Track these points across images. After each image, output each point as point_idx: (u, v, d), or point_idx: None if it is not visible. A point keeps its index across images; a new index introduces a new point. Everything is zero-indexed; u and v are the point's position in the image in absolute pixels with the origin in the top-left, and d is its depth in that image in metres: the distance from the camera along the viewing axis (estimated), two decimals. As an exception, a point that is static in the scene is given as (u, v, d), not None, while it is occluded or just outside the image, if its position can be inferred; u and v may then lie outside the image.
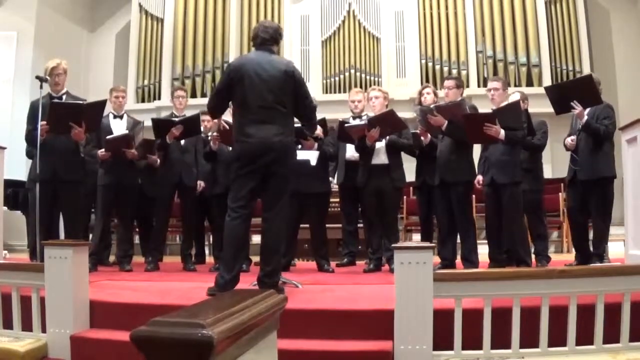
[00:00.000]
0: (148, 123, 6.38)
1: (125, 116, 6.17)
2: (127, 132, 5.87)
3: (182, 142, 6.13)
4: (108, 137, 5.75)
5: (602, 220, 5.34)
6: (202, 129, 6.38)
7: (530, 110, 5.82)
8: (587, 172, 5.32)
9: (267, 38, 4.25)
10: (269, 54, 4.21)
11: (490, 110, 5.44)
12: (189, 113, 6.30)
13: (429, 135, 5.62)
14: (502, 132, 5.13)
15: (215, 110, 4.51)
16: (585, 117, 5.26)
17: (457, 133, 5.29)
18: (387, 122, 5.51)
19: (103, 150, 5.78)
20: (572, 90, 5.35)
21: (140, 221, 7.09)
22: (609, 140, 5.33)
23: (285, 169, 4.08)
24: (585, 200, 5.42)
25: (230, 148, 4.45)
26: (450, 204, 5.46)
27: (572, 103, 5.22)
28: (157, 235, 6.28)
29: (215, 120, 5.81)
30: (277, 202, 4.07)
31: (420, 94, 6.01)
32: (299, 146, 5.61)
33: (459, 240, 5.60)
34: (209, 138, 6.13)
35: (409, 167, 6.04)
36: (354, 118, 6.00)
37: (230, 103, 4.41)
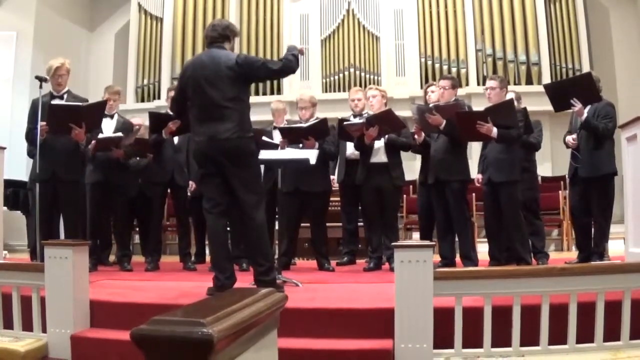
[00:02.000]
0: (147, 122, 6.36)
1: (115, 116, 6.15)
2: (120, 134, 5.84)
3: (175, 141, 6.12)
4: (100, 137, 5.71)
5: (603, 217, 5.35)
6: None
7: (530, 108, 5.82)
8: (587, 170, 5.32)
9: (216, 36, 4.21)
10: (217, 51, 4.16)
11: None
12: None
13: (423, 134, 5.63)
14: (495, 130, 5.13)
15: (177, 114, 4.61)
16: (585, 115, 5.26)
17: (455, 132, 5.30)
18: (386, 121, 5.51)
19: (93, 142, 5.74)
20: (571, 88, 5.35)
21: (140, 221, 7.08)
22: (609, 138, 5.33)
23: (242, 166, 4.01)
24: (587, 198, 5.42)
25: None
26: (446, 203, 5.45)
27: (571, 100, 5.23)
28: (154, 234, 6.29)
29: None
30: (247, 202, 4.01)
31: (425, 92, 6.01)
32: (300, 145, 5.62)
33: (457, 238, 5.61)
34: None
35: (409, 166, 6.04)
36: (354, 117, 6.01)
37: None
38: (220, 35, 4.22)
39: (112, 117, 6.11)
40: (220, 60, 4.07)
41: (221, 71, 4.03)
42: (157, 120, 6.03)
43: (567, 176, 5.79)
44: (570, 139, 5.52)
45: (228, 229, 4.40)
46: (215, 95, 4.00)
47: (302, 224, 6.12)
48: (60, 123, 5.09)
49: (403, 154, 5.90)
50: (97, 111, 5.42)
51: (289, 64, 4.20)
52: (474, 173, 5.73)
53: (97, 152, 5.76)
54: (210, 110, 4.01)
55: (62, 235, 5.58)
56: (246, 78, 4.12)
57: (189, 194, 6.31)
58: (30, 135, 5.32)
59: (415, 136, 5.68)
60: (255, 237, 4.04)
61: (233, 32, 4.31)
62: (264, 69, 4.16)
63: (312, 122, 5.76)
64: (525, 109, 5.73)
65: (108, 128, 5.99)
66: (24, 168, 6.38)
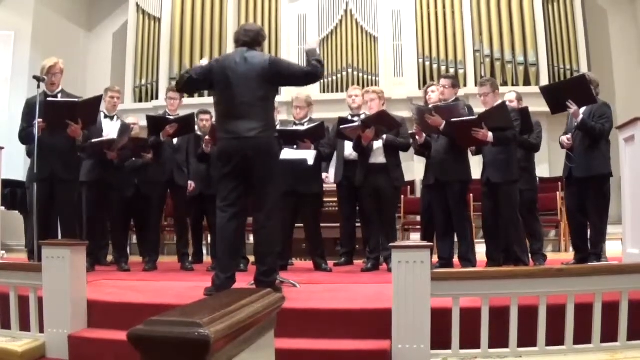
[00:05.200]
0: (145, 122, 6.36)
1: (116, 117, 6.17)
2: (112, 137, 5.84)
3: (175, 141, 6.13)
4: (93, 140, 5.71)
5: (599, 218, 5.34)
6: (197, 128, 6.39)
7: (529, 109, 5.82)
8: (582, 170, 5.33)
9: (248, 41, 4.26)
10: (251, 51, 4.21)
11: (483, 111, 5.48)
12: (184, 113, 6.30)
13: (424, 134, 5.63)
14: (490, 135, 5.16)
15: (185, 90, 4.62)
16: (581, 116, 5.27)
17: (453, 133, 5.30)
18: (381, 121, 5.52)
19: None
20: (566, 90, 5.37)
21: (138, 221, 7.07)
22: (605, 138, 5.33)
23: (266, 164, 4.05)
24: (582, 198, 5.42)
25: None
26: (446, 204, 5.45)
27: (567, 103, 5.24)
28: (152, 234, 6.29)
29: (213, 122, 5.90)
30: (266, 202, 4.05)
31: (426, 92, 6.01)
32: (295, 146, 5.62)
33: (456, 239, 5.60)
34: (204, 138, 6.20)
35: (407, 167, 6.04)
36: (352, 116, 6.00)
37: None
38: (253, 40, 4.29)
39: (112, 118, 6.12)
40: (254, 60, 4.14)
41: (254, 70, 4.08)
42: (155, 123, 6.03)
43: (562, 176, 5.80)
44: (564, 139, 5.53)
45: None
46: (245, 94, 4.05)
47: (298, 225, 6.11)
48: (56, 119, 5.09)
49: (402, 155, 5.89)
50: (93, 107, 5.41)
51: (316, 70, 4.20)
52: (475, 173, 5.72)
53: (91, 154, 5.77)
54: (238, 108, 4.05)
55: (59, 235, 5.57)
56: (275, 79, 4.17)
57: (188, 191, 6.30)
58: (23, 134, 5.31)
59: (417, 137, 5.69)
60: (265, 235, 4.07)
61: (263, 38, 4.41)
62: (291, 70, 4.26)
63: (310, 125, 5.77)
64: (525, 108, 5.73)
65: (110, 129, 6.00)
66: (22, 168, 6.37)
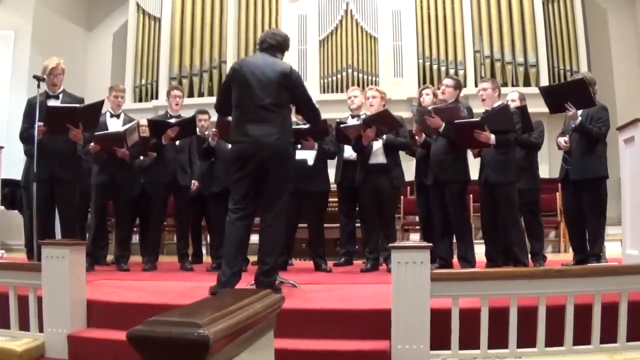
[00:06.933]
0: (144, 122, 6.36)
1: (122, 115, 6.16)
2: (118, 130, 5.83)
3: (177, 142, 6.12)
4: (97, 133, 5.68)
5: (597, 220, 5.35)
6: (197, 128, 6.39)
7: (528, 110, 5.82)
8: (578, 172, 5.33)
9: (274, 44, 4.28)
10: (270, 57, 4.23)
11: (483, 111, 5.49)
12: (184, 113, 6.30)
13: (423, 135, 5.63)
14: (492, 137, 5.16)
15: (221, 111, 4.57)
16: (579, 119, 5.26)
17: (454, 134, 5.29)
18: (382, 121, 5.52)
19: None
20: (565, 92, 5.35)
21: (142, 220, 7.07)
22: (602, 141, 5.34)
23: (281, 169, 4.06)
24: (579, 200, 5.42)
25: (230, 145, 4.49)
26: (445, 204, 5.45)
27: (566, 105, 5.23)
28: (153, 235, 6.28)
29: (213, 119, 5.89)
30: (275, 204, 4.07)
31: (420, 94, 6.01)
32: (299, 146, 5.61)
33: (455, 240, 5.60)
34: (207, 134, 6.18)
35: (408, 167, 6.03)
36: (352, 117, 6.00)
37: None
38: (279, 44, 4.32)
39: (118, 116, 6.11)
40: (274, 66, 4.16)
41: (274, 76, 4.10)
42: (156, 127, 6.03)
43: (559, 178, 5.81)
44: (562, 140, 5.53)
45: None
46: (265, 99, 4.06)
47: (300, 225, 6.10)
48: (58, 124, 5.10)
49: (402, 155, 5.89)
50: (94, 111, 5.41)
51: (319, 115, 4.46)
52: (473, 174, 5.72)
53: (102, 153, 5.77)
54: (258, 112, 4.06)
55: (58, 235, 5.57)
56: (288, 90, 4.20)
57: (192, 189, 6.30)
58: (25, 135, 5.32)
59: (416, 137, 5.69)
60: (270, 235, 4.08)
61: (287, 47, 4.44)
62: (306, 95, 4.31)
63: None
64: (524, 107, 5.73)
65: (115, 128, 5.98)
66: (22, 167, 6.37)
